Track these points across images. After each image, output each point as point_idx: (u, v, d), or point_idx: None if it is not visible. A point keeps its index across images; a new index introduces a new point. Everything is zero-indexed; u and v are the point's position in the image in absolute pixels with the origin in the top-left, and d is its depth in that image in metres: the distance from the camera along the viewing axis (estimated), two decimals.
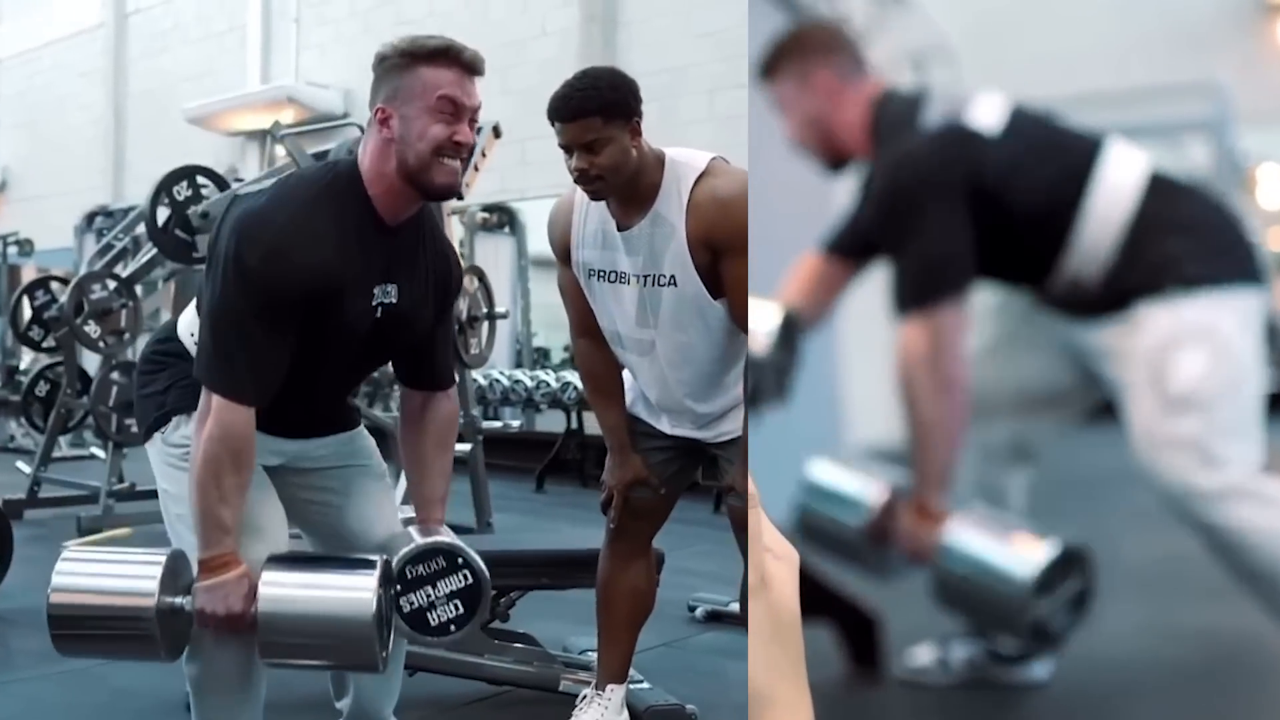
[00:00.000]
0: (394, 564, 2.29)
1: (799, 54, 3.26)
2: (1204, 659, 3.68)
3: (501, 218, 9.85)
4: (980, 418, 3.34)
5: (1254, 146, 8.28)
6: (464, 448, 5.71)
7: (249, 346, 2.19)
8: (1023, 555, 3.05)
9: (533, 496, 8.42)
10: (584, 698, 3.06)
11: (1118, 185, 3.05)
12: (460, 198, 2.39)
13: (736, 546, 2.72)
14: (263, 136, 11.99)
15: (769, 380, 3.16)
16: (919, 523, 3.14)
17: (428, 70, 2.20)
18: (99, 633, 2.25)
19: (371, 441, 2.64)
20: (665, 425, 2.88)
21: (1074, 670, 3.42)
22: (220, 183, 5.49)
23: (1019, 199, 3.07)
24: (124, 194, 14.45)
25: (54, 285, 7.36)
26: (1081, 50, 8.00)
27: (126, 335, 6.53)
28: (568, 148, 2.59)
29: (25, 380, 8.05)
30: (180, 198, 5.35)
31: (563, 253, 2.81)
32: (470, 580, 2.32)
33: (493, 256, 9.42)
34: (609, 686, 3.01)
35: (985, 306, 3.25)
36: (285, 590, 2.21)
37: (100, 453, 7.50)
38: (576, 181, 2.64)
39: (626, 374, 2.91)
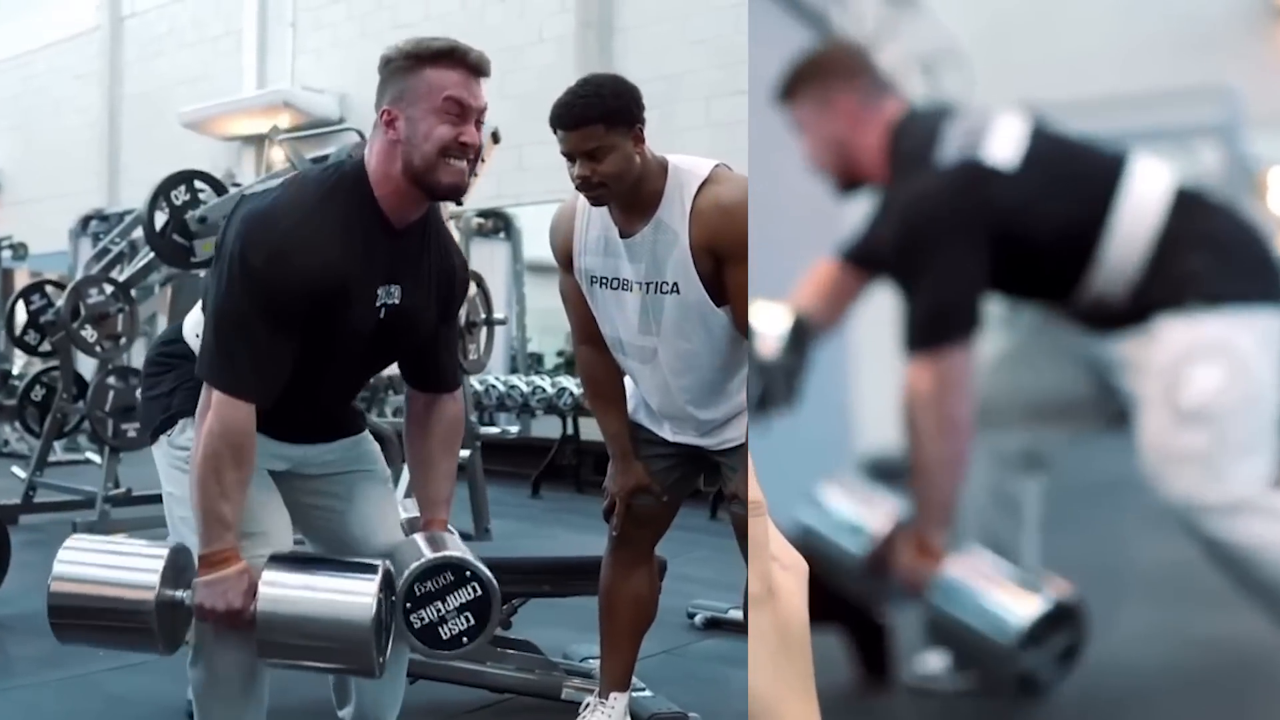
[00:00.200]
0: (401, 581, 2.28)
1: (820, 76, 3.24)
2: (1215, 665, 3.67)
3: (497, 223, 9.82)
4: (994, 426, 3.34)
5: (1265, 151, 8.26)
6: (463, 454, 5.67)
7: (252, 345, 2.19)
8: (1014, 607, 3.07)
9: (529, 502, 8.41)
10: (587, 705, 3.05)
11: (1143, 201, 3.03)
12: (460, 202, 2.38)
13: (735, 553, 2.71)
14: (259, 141, 12.00)
15: (778, 385, 3.15)
16: (917, 558, 3.15)
17: (433, 72, 2.19)
18: (98, 623, 2.26)
19: (376, 447, 2.63)
20: (667, 432, 2.88)
21: (1084, 676, 3.40)
22: (218, 187, 5.48)
23: (1038, 232, 3.06)
24: (119, 198, 14.43)
25: (50, 289, 7.34)
26: (1092, 54, 7.98)
27: (123, 340, 6.50)
28: (570, 155, 2.59)
29: (20, 385, 8.02)
30: (178, 202, 5.33)
31: (565, 259, 2.80)
32: (479, 592, 2.30)
33: (488, 262, 9.40)
34: (612, 694, 3.00)
35: (1000, 316, 3.24)
36: (285, 590, 2.20)
37: (96, 458, 7.47)
38: (579, 189, 2.64)
39: (628, 381, 2.90)
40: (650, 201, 2.63)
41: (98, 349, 6.41)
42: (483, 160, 5.43)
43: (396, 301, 2.30)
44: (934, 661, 3.49)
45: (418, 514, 2.55)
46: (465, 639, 2.30)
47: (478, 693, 3.40)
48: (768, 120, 3.35)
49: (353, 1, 12.90)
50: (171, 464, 2.39)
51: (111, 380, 6.42)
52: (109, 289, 6.43)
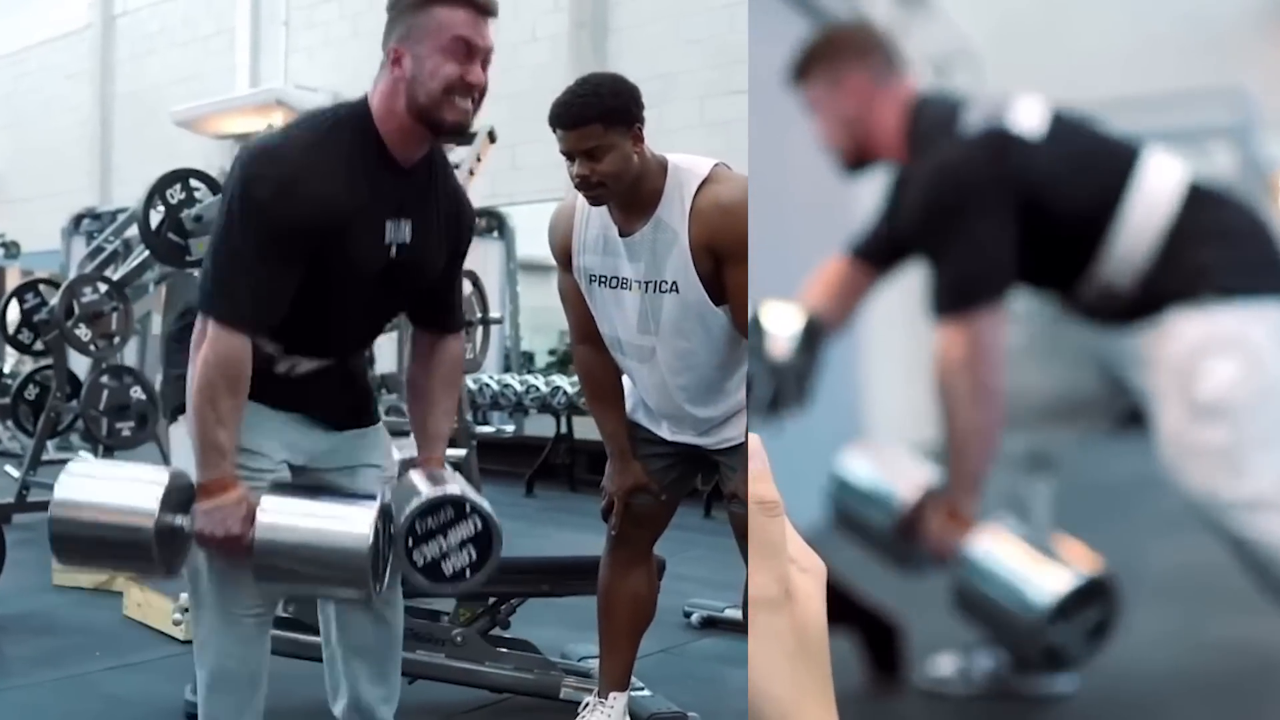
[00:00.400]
0: (402, 519, 2.29)
1: (832, 55, 3.23)
2: (1233, 671, 3.64)
3: (491, 222, 9.81)
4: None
5: (1278, 153, 8.27)
6: (458, 453, 5.69)
7: (251, 276, 2.21)
8: (1044, 580, 3.03)
9: (523, 501, 8.40)
10: (586, 705, 3.05)
11: (1156, 193, 3.02)
12: (465, 134, 2.38)
13: (729, 552, 2.71)
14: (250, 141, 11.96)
15: (790, 385, 3.15)
16: (947, 526, 3.12)
17: (442, 10, 2.21)
18: (98, 547, 2.28)
19: (388, 440, 2.64)
20: (666, 432, 2.88)
21: (1099, 682, 3.40)
22: (214, 186, 5.45)
23: (1060, 205, 3.04)
24: (111, 196, 14.41)
25: (43, 288, 7.31)
26: (1106, 55, 7.98)
27: (117, 339, 6.48)
28: (569, 154, 2.58)
29: (13, 383, 7.99)
30: (173, 201, 5.30)
31: (564, 258, 2.80)
32: (481, 526, 2.32)
33: (482, 261, 9.39)
34: (611, 694, 3.00)
35: (1010, 313, 3.23)
36: (283, 517, 2.23)
37: (90, 456, 7.46)
38: (578, 188, 2.63)
39: (626, 380, 2.90)
40: (650, 200, 2.62)
41: (92, 348, 6.39)
42: (479, 159, 5.44)
43: (408, 239, 2.32)
44: (947, 664, 3.49)
45: (415, 455, 2.57)
46: (469, 573, 2.31)
47: (476, 692, 3.39)
48: (768, 119, 3.35)
49: (345, 1, 12.88)
50: (187, 448, 2.38)
51: (105, 379, 6.40)
52: (103, 288, 6.41)
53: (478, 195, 8.55)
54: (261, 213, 2.18)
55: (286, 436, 2.37)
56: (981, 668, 3.44)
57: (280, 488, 2.29)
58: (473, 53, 2.22)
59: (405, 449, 2.69)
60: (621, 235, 2.67)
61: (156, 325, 8.58)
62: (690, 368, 2.71)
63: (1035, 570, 3.05)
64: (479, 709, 3.43)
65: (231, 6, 14.31)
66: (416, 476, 2.44)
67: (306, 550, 2.22)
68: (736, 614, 4.35)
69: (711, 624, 4.47)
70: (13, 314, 7.44)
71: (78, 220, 10.35)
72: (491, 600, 3.40)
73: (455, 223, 2.48)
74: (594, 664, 3.23)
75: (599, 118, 2.54)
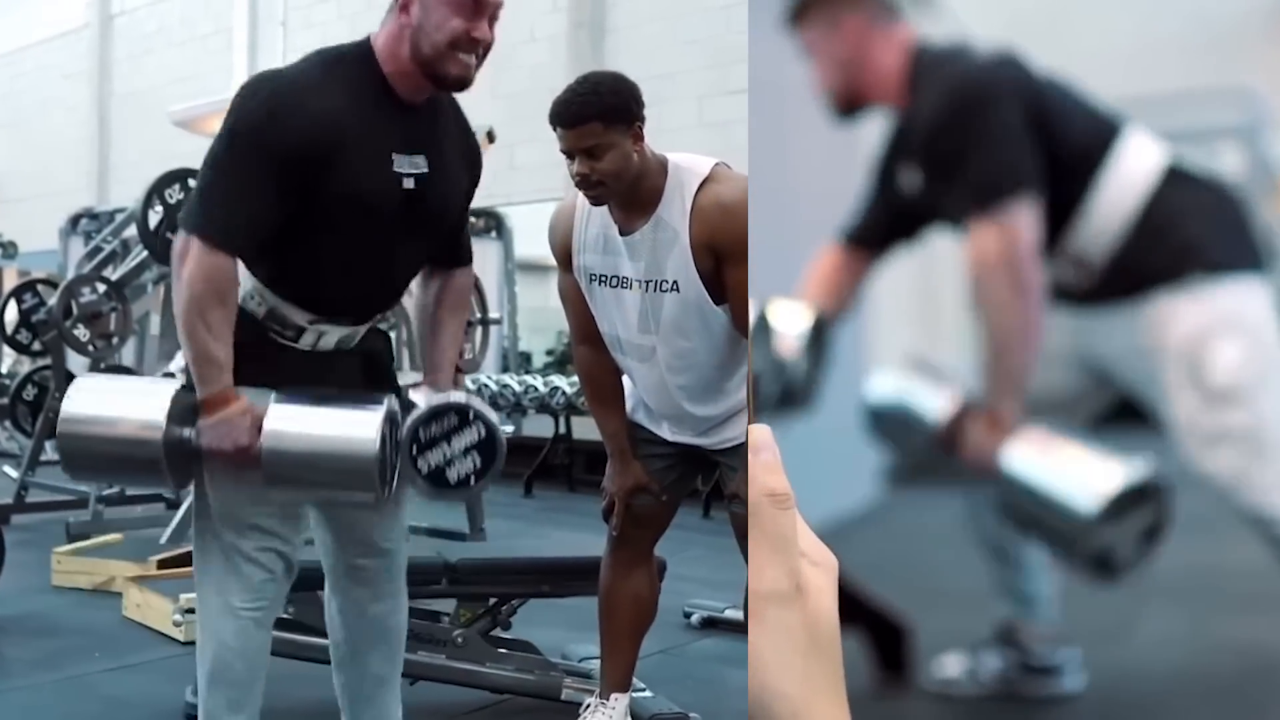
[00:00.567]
0: (406, 426, 2.29)
1: None
2: (1241, 672, 3.63)
3: (489, 222, 9.80)
4: (957, 473, 3.34)
5: None
6: None
7: (238, 195, 2.19)
8: (1094, 479, 2.92)
9: (521, 501, 8.39)
10: (588, 707, 3.04)
11: (1134, 165, 3.01)
12: (466, 88, 2.38)
13: (729, 552, 2.70)
14: None
15: (798, 382, 3.14)
16: (989, 434, 3.02)
17: None
18: (108, 463, 2.30)
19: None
20: (666, 432, 2.87)
21: (1106, 682, 3.40)
22: None
23: (1062, 137, 3.02)
24: (109, 196, 14.40)
25: (42, 288, 7.31)
26: (1113, 54, 7.99)
27: (115, 339, 6.48)
28: (569, 153, 2.58)
29: (11, 384, 7.98)
30: (172, 200, 5.31)
31: (564, 258, 2.79)
32: (485, 434, 2.32)
33: (480, 261, 9.35)
34: (613, 695, 2.99)
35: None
36: (291, 424, 2.23)
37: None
38: (578, 186, 2.63)
39: (626, 381, 2.89)
40: (650, 199, 2.62)
41: (90, 348, 6.39)
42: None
43: (424, 171, 2.30)
44: (954, 665, 3.48)
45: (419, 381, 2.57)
46: (473, 480, 2.32)
47: (477, 693, 3.38)
48: (769, 119, 3.34)
49: (343, 1, 12.87)
50: None
51: None
52: (101, 288, 6.41)
53: (476, 196, 8.57)
54: (255, 130, 2.17)
55: None
56: (989, 668, 3.44)
57: (286, 396, 2.27)
58: (481, 8, 2.22)
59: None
60: (622, 234, 2.66)
61: (155, 325, 8.57)
62: (690, 367, 2.71)
63: (1083, 470, 2.95)
64: (480, 710, 3.42)
65: (229, 6, 14.30)
66: (418, 393, 2.43)
67: (314, 455, 2.22)
68: (737, 614, 4.34)
69: (712, 624, 4.46)
70: (10, 314, 7.44)
71: (75, 220, 10.33)
72: (492, 601, 3.39)
73: (470, 157, 2.49)
74: (595, 665, 3.23)
75: (599, 116, 2.53)
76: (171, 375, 2.47)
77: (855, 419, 3.38)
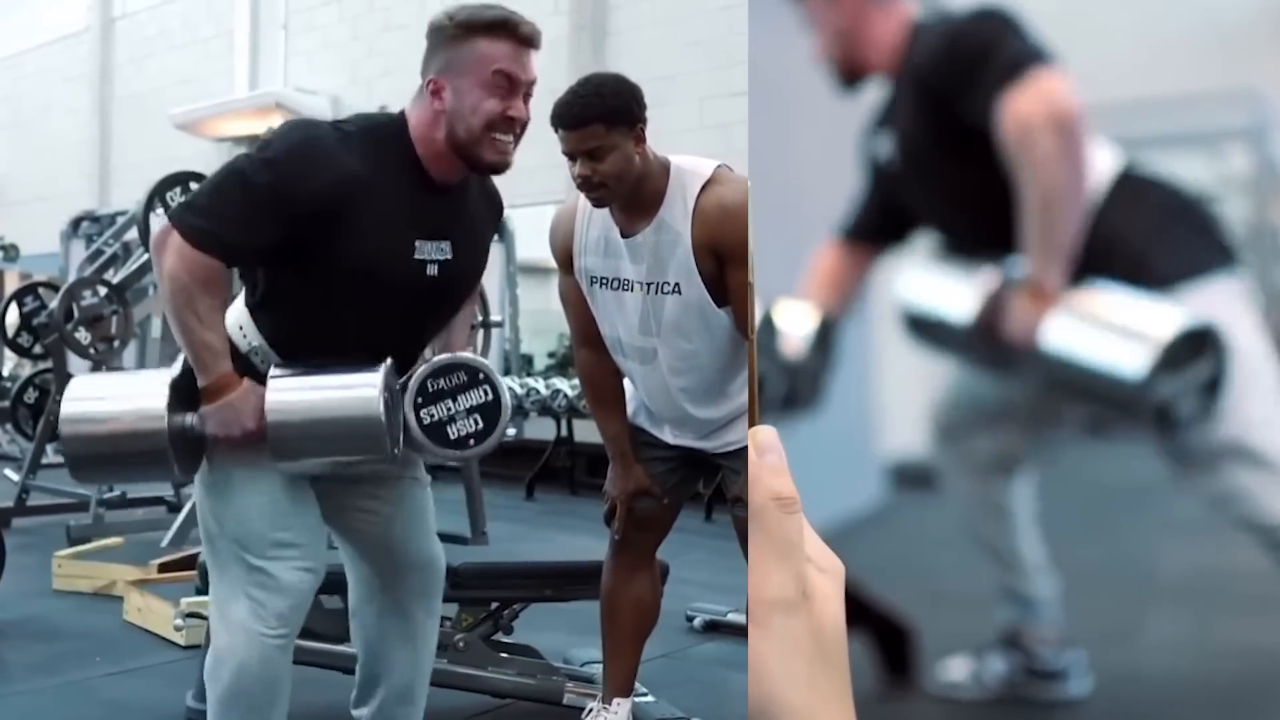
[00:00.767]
0: (415, 376, 2.28)
1: None
2: (1247, 676, 3.61)
3: None
4: (964, 431, 3.31)
5: None
6: None
7: (237, 217, 2.15)
8: (1148, 327, 2.75)
9: (523, 505, 8.39)
10: (590, 711, 3.03)
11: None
12: (503, 172, 2.36)
13: (731, 555, 2.69)
14: (251, 142, 11.95)
15: (805, 383, 3.11)
16: (1033, 305, 2.87)
17: (485, 43, 2.17)
18: (114, 460, 2.26)
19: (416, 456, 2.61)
20: (667, 435, 2.86)
21: (1112, 687, 3.38)
22: None
23: None
24: (110, 199, 14.41)
25: (43, 291, 7.30)
26: (1121, 57, 7.97)
27: (117, 342, 6.47)
28: (571, 155, 2.57)
29: (12, 387, 7.98)
30: (173, 203, 5.30)
31: (565, 260, 2.78)
32: (490, 396, 2.30)
33: None
34: (615, 700, 2.98)
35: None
36: (291, 394, 2.21)
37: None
38: (580, 188, 2.62)
39: (628, 384, 2.88)
40: (652, 201, 2.61)
41: (91, 351, 6.38)
42: None
43: (449, 258, 2.28)
44: (959, 668, 3.47)
45: None
46: (473, 441, 2.30)
47: (479, 698, 3.37)
48: (770, 120, 3.33)
49: (345, 4, 12.88)
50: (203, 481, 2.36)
51: None
52: (102, 291, 6.40)
53: None
54: (273, 166, 2.14)
55: None
56: (993, 672, 3.42)
57: (281, 373, 2.25)
58: (515, 87, 2.19)
59: None
60: (623, 236, 2.65)
61: (156, 328, 8.58)
62: (692, 369, 2.70)
63: (1136, 321, 2.79)
64: (481, 715, 3.41)
65: (230, 9, 14.31)
66: (428, 354, 2.43)
67: (318, 421, 2.21)
68: (739, 618, 4.33)
69: (714, 628, 4.45)
70: (12, 317, 7.44)
71: (76, 223, 10.32)
72: (494, 605, 3.39)
73: (494, 216, 2.50)
74: (597, 669, 3.22)
75: (601, 118, 2.53)
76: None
77: (862, 419, 3.36)
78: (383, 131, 2.25)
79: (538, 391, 8.81)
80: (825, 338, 3.17)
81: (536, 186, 9.54)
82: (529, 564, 3.59)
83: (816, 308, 3.21)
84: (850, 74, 3.21)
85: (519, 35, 2.19)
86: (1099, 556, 4.78)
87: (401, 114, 2.26)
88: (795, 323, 3.13)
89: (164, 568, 4.85)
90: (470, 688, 3.33)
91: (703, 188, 2.59)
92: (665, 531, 3.01)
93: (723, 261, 2.58)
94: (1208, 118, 7.65)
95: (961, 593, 4.14)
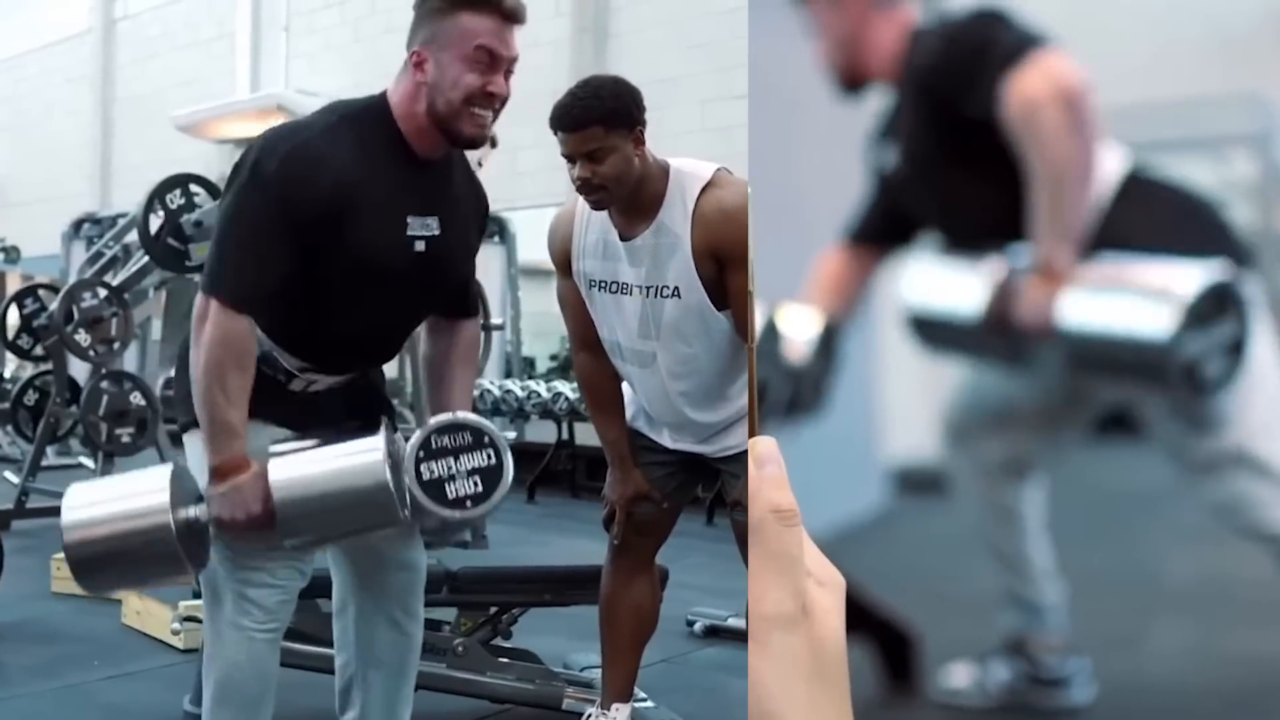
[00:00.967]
0: (420, 432, 2.25)
1: None
2: (1253, 685, 3.59)
3: (492, 227, 9.77)
4: (974, 436, 3.29)
5: None
6: None
7: (255, 254, 2.15)
8: (1168, 287, 2.69)
9: (524, 508, 8.36)
10: (589, 716, 3.02)
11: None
12: (480, 146, 2.35)
13: (732, 559, 2.68)
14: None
15: (807, 389, 3.09)
16: (1045, 286, 2.83)
17: (467, 17, 2.17)
18: (122, 564, 2.20)
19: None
20: (667, 439, 2.85)
21: (1116, 695, 3.36)
22: (214, 191, 5.43)
23: None
24: (111, 201, 14.41)
25: (43, 293, 7.30)
26: (1126, 61, 7.96)
27: (117, 344, 6.46)
28: (570, 157, 2.56)
29: (13, 389, 7.97)
30: (173, 206, 5.28)
31: (563, 263, 2.77)
32: (493, 460, 2.28)
33: (483, 266, 9.36)
34: (614, 705, 2.97)
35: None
36: (296, 471, 2.18)
37: (89, 462, 7.43)
38: (579, 191, 2.61)
39: (626, 388, 2.87)
40: (651, 204, 2.60)
41: (91, 353, 6.37)
42: (480, 165, 5.41)
43: (436, 233, 2.28)
44: (962, 675, 3.45)
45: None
46: (470, 502, 2.25)
47: (477, 703, 3.36)
48: (770, 121, 3.32)
49: (346, 5, 12.88)
50: (202, 471, 2.34)
51: (105, 385, 6.38)
52: (103, 293, 6.39)
53: None
54: (271, 188, 2.13)
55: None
56: (997, 679, 3.40)
57: (280, 449, 2.23)
58: (496, 62, 2.19)
59: None
60: (622, 239, 2.64)
61: (156, 330, 8.58)
62: (692, 373, 2.69)
63: (1156, 281, 2.74)
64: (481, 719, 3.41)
65: (232, 11, 14.30)
66: (432, 417, 2.40)
67: (326, 495, 2.18)
68: (740, 623, 4.32)
69: (714, 633, 4.44)
70: (12, 319, 7.43)
71: (78, 225, 10.32)
72: (493, 610, 3.38)
73: (479, 209, 2.47)
74: (596, 674, 3.21)
75: (600, 120, 2.52)
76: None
77: (865, 424, 3.34)
78: (365, 115, 2.24)
79: (539, 394, 8.80)
80: (829, 342, 3.16)
81: (538, 188, 9.57)
82: (528, 568, 3.58)
83: (820, 312, 3.20)
84: (852, 80, 3.20)
85: (502, 10, 2.19)
86: (1104, 563, 4.76)
87: (383, 94, 2.26)
88: (798, 327, 3.12)
89: None
90: (468, 693, 3.32)
91: (702, 191, 2.58)
92: (664, 536, 2.99)
93: (722, 265, 2.57)
94: (1212, 123, 7.64)
95: (964, 598, 4.13)
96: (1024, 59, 2.76)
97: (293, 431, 2.29)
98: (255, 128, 9.59)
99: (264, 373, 2.27)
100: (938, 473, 3.40)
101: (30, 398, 7.52)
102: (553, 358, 11.68)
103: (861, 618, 3.37)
